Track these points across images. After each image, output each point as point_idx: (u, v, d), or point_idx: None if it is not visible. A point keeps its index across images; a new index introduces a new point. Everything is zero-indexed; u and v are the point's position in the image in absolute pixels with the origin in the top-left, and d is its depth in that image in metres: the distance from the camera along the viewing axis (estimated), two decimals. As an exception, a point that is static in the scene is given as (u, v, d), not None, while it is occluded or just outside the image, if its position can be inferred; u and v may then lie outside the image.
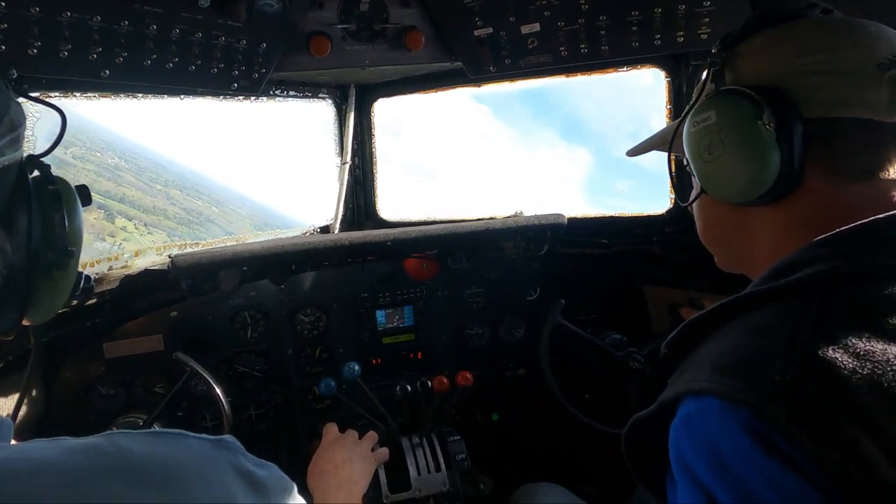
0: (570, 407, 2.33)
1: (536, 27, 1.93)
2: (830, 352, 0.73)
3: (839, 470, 0.67)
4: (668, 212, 2.41)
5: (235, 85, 1.92)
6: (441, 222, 2.74)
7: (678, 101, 2.14)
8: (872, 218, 0.84)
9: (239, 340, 2.36)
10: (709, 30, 1.74)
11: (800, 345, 0.75)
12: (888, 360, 0.71)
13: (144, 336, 2.20)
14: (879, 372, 0.70)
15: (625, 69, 2.13)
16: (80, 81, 1.64)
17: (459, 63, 2.10)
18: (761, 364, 0.75)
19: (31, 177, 0.93)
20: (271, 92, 2.33)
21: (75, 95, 1.68)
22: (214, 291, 2.16)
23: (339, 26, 1.94)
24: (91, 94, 1.73)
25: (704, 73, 1.05)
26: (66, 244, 0.95)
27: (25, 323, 0.99)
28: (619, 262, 2.60)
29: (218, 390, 2.02)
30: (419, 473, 2.09)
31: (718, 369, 0.79)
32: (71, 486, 0.60)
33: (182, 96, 1.98)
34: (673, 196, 2.36)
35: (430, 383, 2.30)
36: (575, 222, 2.41)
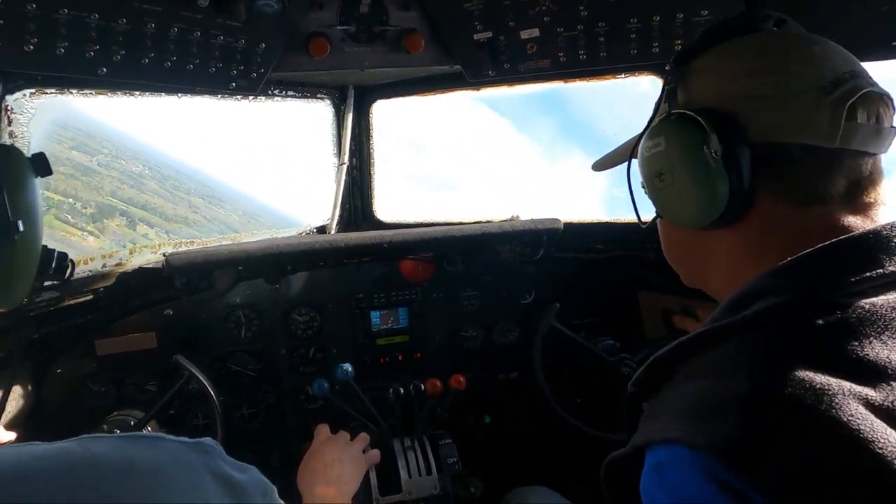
0: (561, 410, 2.33)
1: (536, 32, 1.93)
2: (786, 392, 0.72)
3: None
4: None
5: (233, 84, 1.92)
6: (437, 224, 2.74)
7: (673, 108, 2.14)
8: (821, 245, 0.84)
9: (233, 339, 2.36)
10: (706, 39, 1.75)
11: (757, 387, 0.75)
12: (842, 392, 0.71)
13: (137, 334, 2.20)
14: (835, 409, 0.69)
15: (622, 76, 2.13)
16: (77, 79, 1.63)
17: (458, 66, 2.11)
18: (723, 410, 0.75)
19: None
20: (269, 92, 2.32)
21: (72, 92, 1.68)
22: (209, 290, 2.16)
23: (339, 27, 1.94)
24: (88, 92, 1.73)
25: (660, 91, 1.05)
26: (7, 217, 0.88)
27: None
28: (614, 267, 2.60)
29: (213, 393, 2.02)
30: (410, 476, 2.09)
31: (685, 417, 0.79)
32: (38, 493, 0.59)
33: (180, 95, 1.98)
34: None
35: (422, 386, 2.30)
36: (571, 227, 2.42)
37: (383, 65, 2.07)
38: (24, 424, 1.91)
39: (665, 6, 1.73)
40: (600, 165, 1.39)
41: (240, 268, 2.15)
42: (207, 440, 0.76)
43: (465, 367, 2.50)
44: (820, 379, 0.72)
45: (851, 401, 0.70)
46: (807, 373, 0.73)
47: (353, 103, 2.61)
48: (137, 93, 1.86)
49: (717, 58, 0.97)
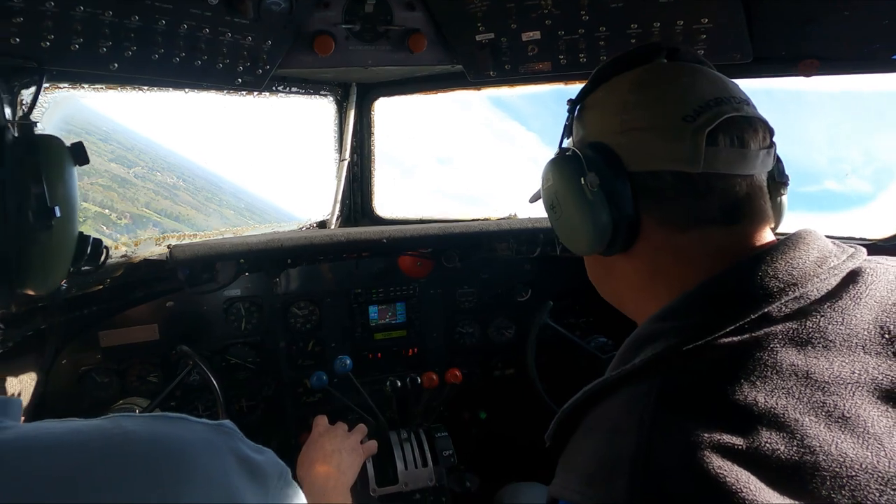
0: (554, 405, 2.38)
1: (537, 35, 1.96)
2: (663, 450, 0.76)
3: None
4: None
5: (239, 80, 1.94)
6: (436, 221, 2.78)
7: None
8: (699, 284, 0.89)
9: (232, 332, 2.39)
10: (705, 46, 1.79)
11: (640, 446, 0.77)
12: (711, 445, 0.73)
13: (140, 325, 2.22)
14: (705, 464, 0.72)
15: (622, 79, 2.17)
16: (89, 74, 1.66)
17: (460, 66, 2.14)
18: (613, 472, 0.78)
19: (12, 136, 0.90)
20: (274, 88, 2.35)
21: (83, 87, 1.71)
22: (211, 283, 2.19)
23: (344, 26, 1.97)
24: (98, 86, 1.75)
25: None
26: (46, 203, 0.90)
27: (31, 293, 0.96)
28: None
29: (215, 383, 2.06)
30: (406, 468, 2.13)
31: (584, 479, 0.82)
32: (76, 466, 0.63)
33: (187, 91, 2.00)
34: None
35: (419, 379, 2.34)
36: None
37: (386, 63, 2.10)
38: (31, 415, 1.94)
39: (666, 13, 1.76)
40: (531, 199, 1.42)
41: (241, 261, 2.19)
42: (227, 422, 0.79)
43: (462, 363, 2.54)
44: (692, 433, 0.75)
45: (716, 455, 0.72)
46: (683, 426, 0.76)
47: (356, 100, 2.64)
48: (146, 88, 1.88)
49: (604, 93, 1.02)
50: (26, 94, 1.46)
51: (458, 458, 2.25)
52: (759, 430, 0.74)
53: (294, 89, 2.43)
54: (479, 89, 2.45)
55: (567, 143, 1.12)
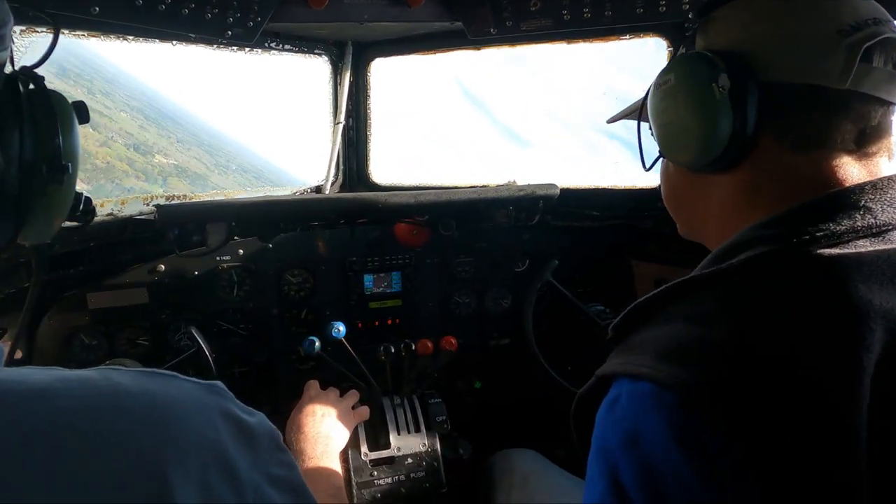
0: (550, 369, 2.34)
1: (540, -11, 1.90)
2: (759, 343, 0.75)
3: (760, 472, 0.69)
4: (660, 186, 2.40)
5: (229, 33, 1.88)
6: (433, 188, 2.72)
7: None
8: (812, 199, 0.86)
9: (224, 298, 2.34)
10: (715, -1, 1.72)
11: (732, 336, 0.77)
12: (814, 362, 0.73)
13: (129, 288, 2.18)
14: (804, 363, 0.73)
15: (627, 37, 2.10)
16: (68, 17, 1.59)
17: (459, 23, 2.07)
18: (698, 354, 0.77)
19: (23, 89, 0.90)
20: (266, 44, 2.27)
21: (63, 32, 1.63)
22: (201, 246, 2.14)
23: (339, -23, 1.90)
24: (79, 33, 1.68)
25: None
26: (60, 159, 0.93)
27: (21, 242, 0.97)
28: (610, 235, 2.60)
29: (213, 365, 2.03)
30: (399, 433, 2.10)
31: (657, 355, 0.81)
32: (61, 414, 0.60)
33: (174, 42, 1.93)
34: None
35: (414, 346, 2.30)
36: (567, 193, 2.40)
37: (383, 18, 2.03)
38: None
39: (673, -36, 1.69)
40: (613, 119, 1.40)
41: (232, 223, 2.13)
42: (218, 383, 0.77)
43: (457, 333, 2.50)
44: (797, 331, 0.75)
45: (813, 348, 0.74)
46: (781, 326, 0.76)
47: (352, 60, 2.56)
48: (131, 37, 1.81)
49: (738, 6, 0.96)
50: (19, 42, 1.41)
51: (452, 426, 2.22)
52: (870, 329, 0.74)
53: (287, 46, 2.35)
54: (479, 49, 2.37)
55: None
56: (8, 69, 0.89)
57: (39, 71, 0.98)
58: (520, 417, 2.75)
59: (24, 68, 0.94)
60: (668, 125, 1.02)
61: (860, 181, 0.87)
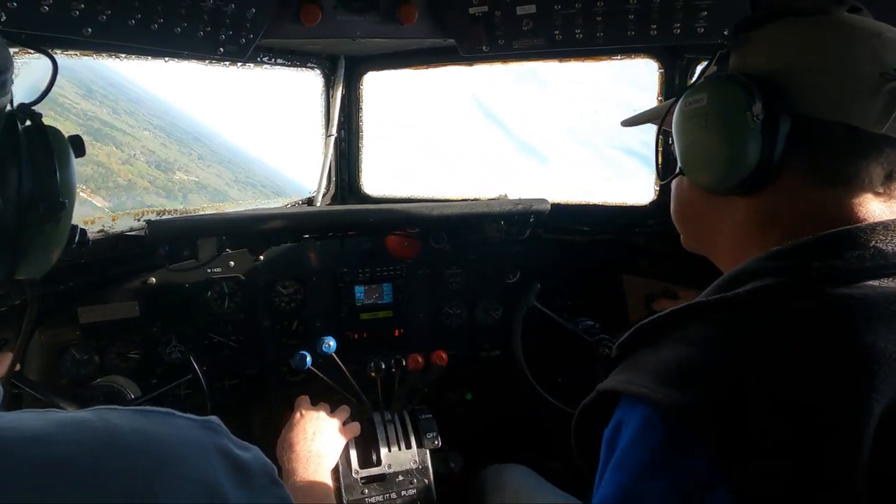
0: (538, 386, 2.36)
1: (532, 9, 1.90)
2: (763, 372, 0.76)
3: (749, 494, 0.70)
4: (651, 203, 2.43)
5: (222, 50, 1.87)
6: (425, 201, 2.73)
7: (670, 94, 2.13)
8: (824, 233, 0.86)
9: (215, 310, 2.34)
10: (706, 24, 1.73)
11: (732, 362, 0.78)
12: (815, 384, 0.74)
13: (120, 302, 2.17)
14: (805, 398, 0.73)
15: (618, 58, 2.12)
16: (61, 38, 1.58)
17: (452, 40, 2.07)
18: (698, 378, 0.78)
19: (21, 126, 0.90)
20: (259, 59, 2.26)
21: (56, 52, 1.62)
22: (192, 259, 2.13)
23: (332, -5, 1.90)
24: (72, 53, 1.67)
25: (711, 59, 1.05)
26: (58, 196, 0.92)
27: (18, 278, 0.97)
28: (600, 250, 2.62)
29: (206, 390, 2.02)
30: (390, 450, 2.11)
31: (658, 376, 0.81)
32: (58, 460, 0.60)
33: (166, 59, 1.92)
34: (657, 187, 2.37)
35: (404, 361, 2.30)
36: (558, 208, 2.42)
37: (375, 35, 2.03)
38: (7, 394, 1.89)
39: (665, -11, 1.71)
40: (630, 122, 1.38)
41: (223, 237, 2.13)
42: (214, 418, 0.78)
43: (448, 345, 2.52)
44: (796, 366, 0.76)
45: (806, 384, 0.74)
46: (782, 360, 0.76)
47: (344, 74, 2.56)
48: (123, 56, 1.80)
49: (779, 30, 0.95)
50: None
51: (443, 439, 2.23)
52: (876, 373, 0.73)
53: (280, 61, 2.35)
54: (470, 65, 2.38)
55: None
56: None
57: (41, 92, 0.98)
58: (511, 431, 2.77)
59: (21, 105, 0.93)
60: (694, 144, 1.01)
61: (871, 221, 0.86)
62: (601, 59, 2.13)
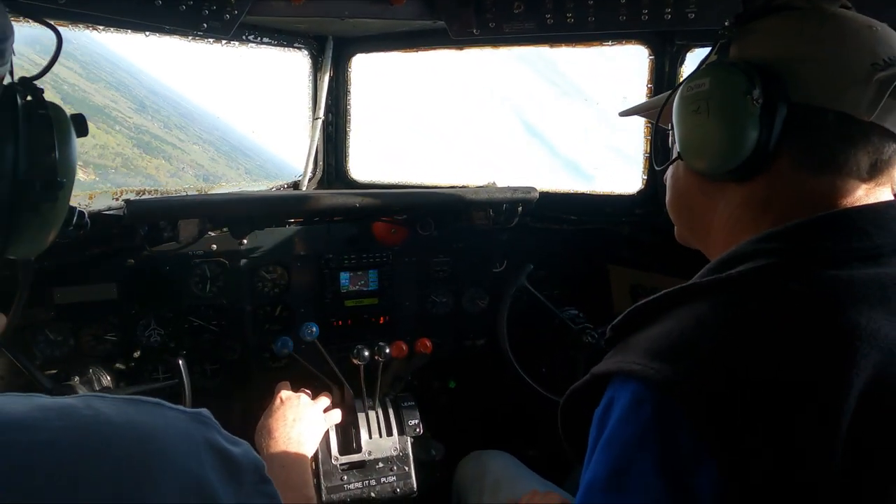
0: (521, 370, 2.35)
1: (524, -8, 1.87)
2: (752, 350, 0.80)
3: (735, 468, 0.74)
4: (639, 192, 2.41)
5: (205, 25, 1.82)
6: (413, 187, 2.70)
7: (660, 80, 2.12)
8: (815, 216, 0.90)
9: (196, 294, 2.30)
10: (696, 9, 1.71)
11: (724, 340, 0.81)
12: (799, 378, 0.78)
13: (97, 284, 2.12)
14: (790, 374, 0.77)
15: (609, 43, 2.09)
16: (35, 6, 1.52)
17: (442, 22, 2.04)
18: (690, 353, 0.81)
19: (21, 101, 0.87)
20: (244, 37, 2.22)
21: (28, 21, 1.56)
22: (173, 241, 2.09)
23: (319, -28, 1.86)
24: (47, 21, 1.61)
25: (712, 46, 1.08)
26: (55, 175, 0.89)
27: (10, 257, 0.94)
28: (587, 239, 2.60)
29: (188, 393, 1.99)
30: (371, 436, 2.09)
31: (649, 353, 0.85)
32: (40, 447, 0.59)
33: (147, 33, 1.87)
34: (645, 176, 2.36)
35: (388, 348, 2.28)
36: (546, 197, 2.40)
37: (364, 15, 1.99)
38: None
39: (657, -27, 1.68)
40: (627, 113, 1.39)
41: (205, 219, 2.08)
42: (204, 411, 0.76)
43: (433, 333, 2.50)
44: (785, 347, 0.79)
45: (794, 365, 0.78)
46: (772, 338, 0.80)
47: (332, 55, 2.51)
48: (101, 28, 1.75)
49: (778, 22, 0.99)
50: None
51: (426, 427, 2.22)
52: (858, 349, 0.78)
53: (266, 40, 2.30)
54: (460, 49, 2.35)
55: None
56: (6, 80, 0.85)
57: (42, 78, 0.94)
58: (493, 418, 2.76)
59: (22, 79, 0.90)
60: (695, 128, 1.03)
61: (859, 205, 0.91)
62: (592, 45, 2.11)
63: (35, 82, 0.90)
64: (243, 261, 2.33)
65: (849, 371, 0.76)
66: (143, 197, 2.00)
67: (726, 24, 1.03)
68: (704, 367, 0.79)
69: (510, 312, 2.42)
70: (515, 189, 2.35)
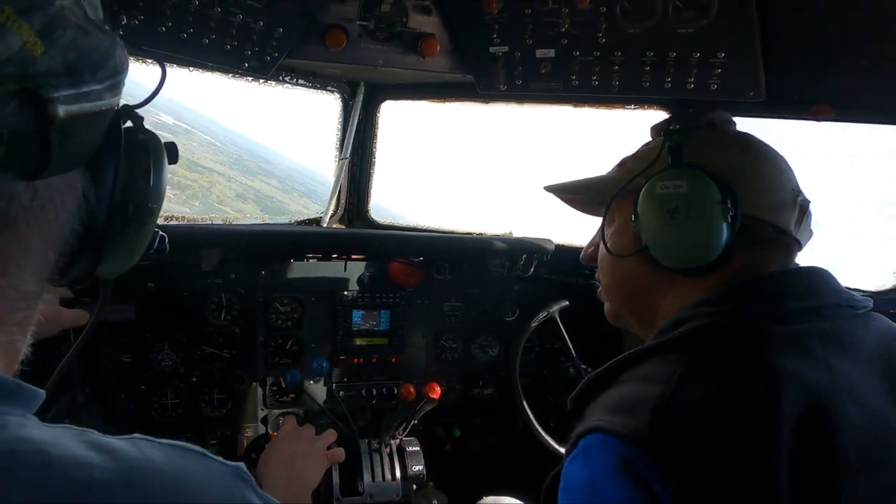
0: (534, 423, 2.32)
1: (552, 53, 1.94)
2: (693, 397, 0.91)
3: (690, 489, 0.85)
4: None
5: (246, 65, 1.91)
6: (430, 231, 2.74)
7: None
8: (741, 280, 1.07)
9: (211, 321, 2.33)
10: (719, 81, 1.77)
11: (670, 391, 0.91)
12: (738, 412, 0.89)
13: (117, 304, 2.16)
14: (731, 418, 0.89)
15: (632, 107, 2.15)
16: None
17: (471, 77, 2.11)
18: (640, 405, 0.92)
19: (123, 127, 0.90)
20: (281, 77, 2.32)
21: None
22: (194, 269, 2.13)
23: (358, 22, 1.95)
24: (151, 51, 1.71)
25: (659, 144, 1.19)
26: (147, 200, 0.92)
27: (97, 275, 0.98)
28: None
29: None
30: (373, 479, 2.07)
31: (607, 410, 0.97)
32: (94, 486, 0.61)
33: (191, 69, 1.96)
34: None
35: (396, 390, 2.28)
36: (563, 250, 2.42)
37: (397, 65, 2.07)
38: None
39: (682, 44, 1.74)
40: (552, 188, 1.45)
41: (227, 249, 2.13)
42: (242, 466, 0.79)
43: (441, 378, 2.49)
44: (723, 393, 0.92)
45: (730, 414, 0.90)
46: (711, 384, 0.93)
47: (363, 100, 2.60)
48: (149, 61, 1.84)
49: (720, 136, 1.18)
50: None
51: (428, 474, 2.19)
52: (784, 388, 0.89)
53: (301, 81, 2.40)
54: (487, 103, 2.42)
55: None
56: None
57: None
58: (498, 469, 2.71)
59: (126, 107, 0.95)
60: (670, 227, 1.12)
61: (781, 269, 1.10)
62: (614, 107, 2.17)
63: (136, 111, 0.95)
64: (259, 292, 2.37)
65: (777, 402, 0.88)
66: (170, 223, 2.05)
67: (671, 126, 1.19)
68: (655, 414, 0.89)
69: (522, 360, 2.41)
70: (532, 240, 2.38)
